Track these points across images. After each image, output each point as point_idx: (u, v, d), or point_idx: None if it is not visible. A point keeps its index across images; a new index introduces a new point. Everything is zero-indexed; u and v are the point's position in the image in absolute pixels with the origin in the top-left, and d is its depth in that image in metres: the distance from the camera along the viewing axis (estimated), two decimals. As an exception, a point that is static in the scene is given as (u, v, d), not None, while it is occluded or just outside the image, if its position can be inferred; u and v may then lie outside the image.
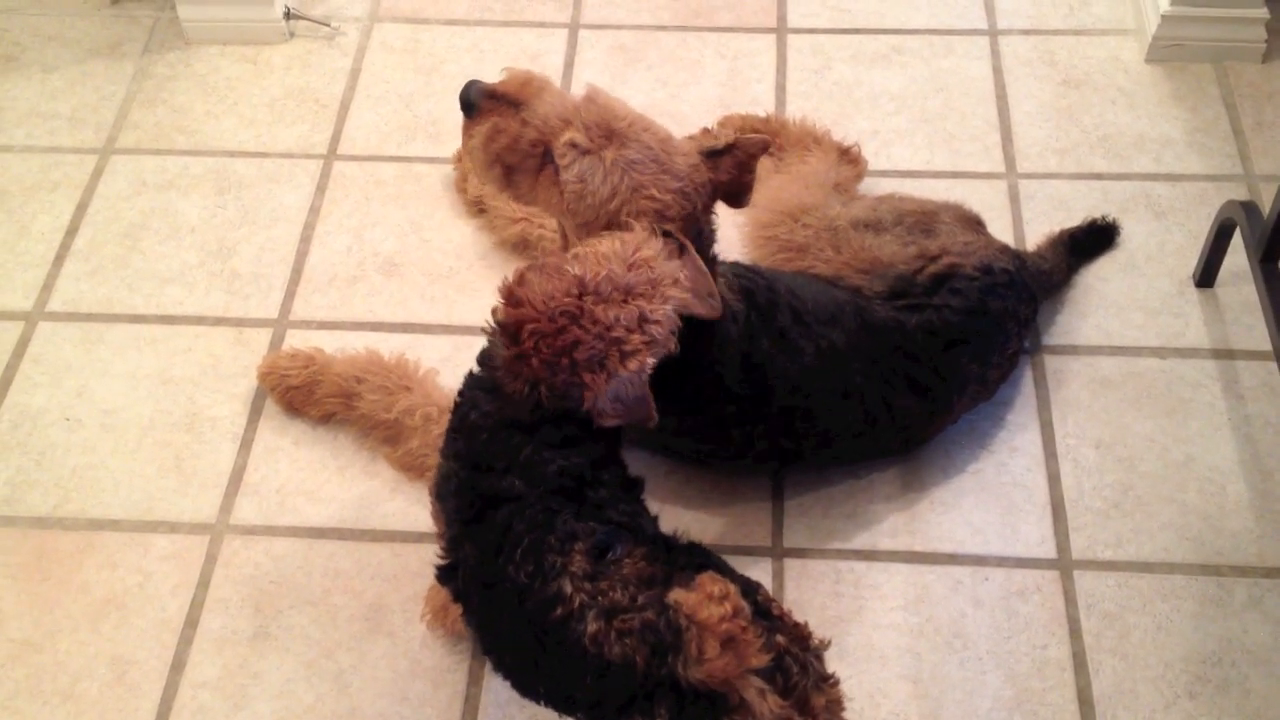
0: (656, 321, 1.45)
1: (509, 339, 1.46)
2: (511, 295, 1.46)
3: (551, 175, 1.67)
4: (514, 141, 1.68)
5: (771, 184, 2.22)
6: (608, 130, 1.65)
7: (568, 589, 1.37)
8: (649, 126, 1.69)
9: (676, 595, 1.31)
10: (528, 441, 1.45)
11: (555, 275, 1.46)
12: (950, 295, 1.92)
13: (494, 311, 1.49)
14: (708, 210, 1.73)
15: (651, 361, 1.46)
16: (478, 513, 1.47)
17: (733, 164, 1.73)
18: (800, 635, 1.39)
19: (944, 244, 1.99)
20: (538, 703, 1.48)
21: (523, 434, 1.46)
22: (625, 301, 1.44)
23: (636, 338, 1.44)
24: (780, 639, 1.35)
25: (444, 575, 1.55)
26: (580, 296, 1.44)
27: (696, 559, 1.45)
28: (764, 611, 1.38)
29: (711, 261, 1.76)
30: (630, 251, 1.48)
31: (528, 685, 1.48)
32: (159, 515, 1.98)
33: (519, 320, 1.44)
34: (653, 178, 1.65)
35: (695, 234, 1.69)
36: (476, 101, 1.70)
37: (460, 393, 1.55)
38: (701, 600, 1.28)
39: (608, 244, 1.49)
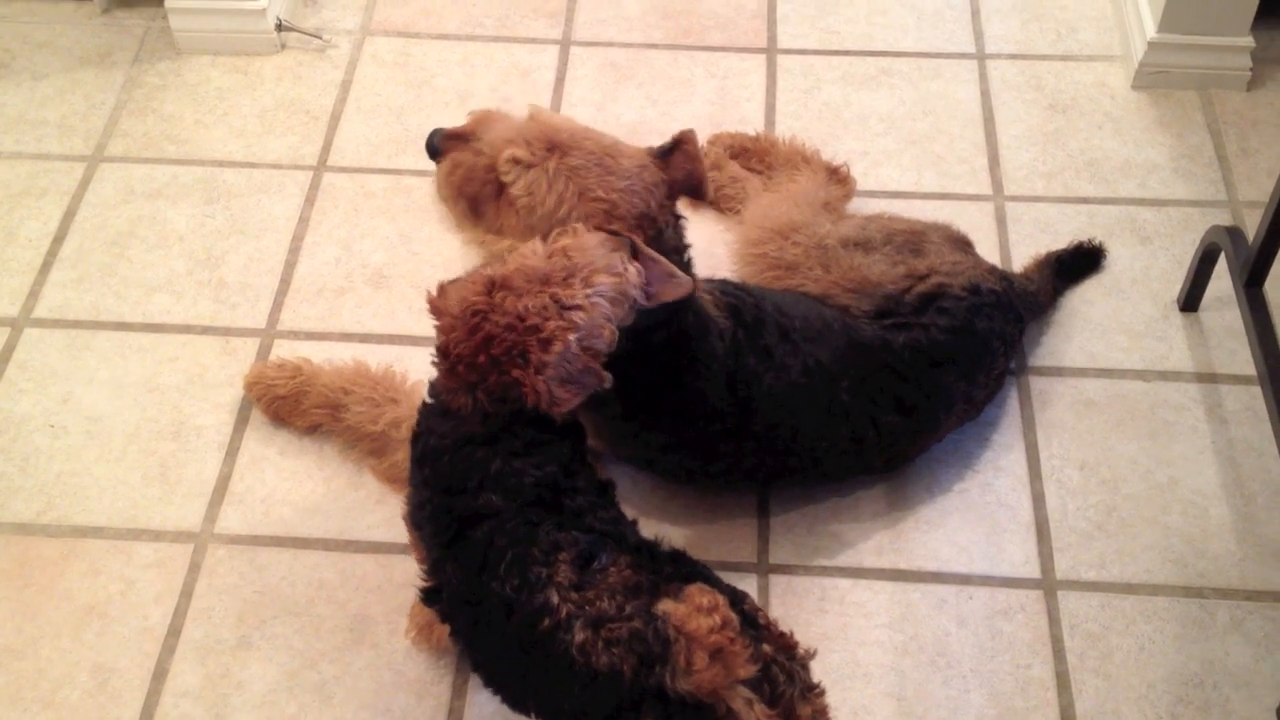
0: (577, 306, 1.43)
1: (442, 358, 1.47)
2: (434, 309, 1.48)
3: (509, 199, 1.71)
4: (470, 172, 1.73)
5: (761, 202, 2.23)
6: (549, 143, 1.69)
7: (554, 599, 1.37)
8: (590, 135, 1.73)
9: (665, 606, 1.31)
10: (493, 454, 1.45)
11: (470, 281, 1.47)
12: (938, 315, 1.93)
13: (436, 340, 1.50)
14: (665, 209, 1.74)
15: (575, 338, 1.43)
16: (456, 534, 1.47)
17: (683, 159, 1.75)
18: (786, 645, 1.40)
19: (932, 264, 2.00)
20: (528, 716, 1.48)
21: (484, 447, 1.46)
22: (540, 292, 1.44)
23: (553, 324, 1.42)
24: (766, 648, 1.36)
25: (428, 597, 1.55)
26: (491, 293, 1.44)
27: (683, 568, 1.45)
28: (750, 621, 1.38)
29: (685, 260, 1.78)
30: (548, 245, 1.49)
31: (518, 699, 1.47)
32: (143, 523, 1.97)
33: (445, 332, 1.46)
34: (597, 180, 1.68)
35: (656, 233, 1.70)
36: (438, 145, 1.77)
37: (416, 424, 1.55)
38: (690, 612, 1.29)
39: (529, 245, 1.50)
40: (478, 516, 1.45)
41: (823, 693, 1.41)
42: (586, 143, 1.71)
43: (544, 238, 1.52)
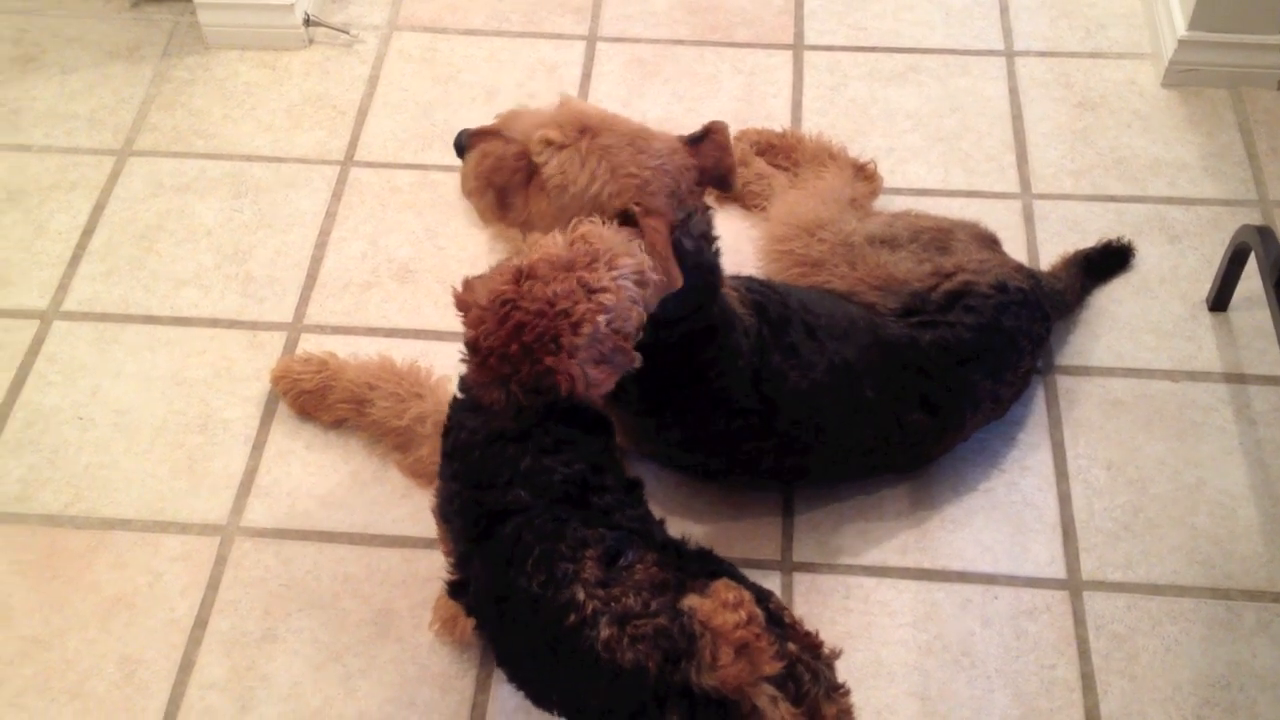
0: (603, 289, 1.45)
1: (472, 352, 1.47)
2: (461, 303, 1.48)
3: (539, 184, 1.71)
4: (499, 160, 1.73)
5: (787, 199, 2.22)
6: (580, 125, 1.69)
7: (580, 596, 1.37)
8: (621, 120, 1.73)
9: (691, 601, 1.31)
10: (523, 451, 1.46)
11: (497, 274, 1.48)
12: (964, 313, 1.93)
13: (464, 335, 1.50)
14: (695, 194, 1.74)
15: (605, 318, 1.44)
16: (485, 529, 1.47)
17: (713, 147, 1.75)
18: (812, 644, 1.39)
19: (959, 261, 1.99)
20: (551, 712, 1.48)
21: (515, 444, 1.46)
22: (566, 277, 1.45)
23: (582, 306, 1.43)
24: (792, 647, 1.35)
25: (454, 591, 1.55)
26: (518, 283, 1.45)
27: (709, 566, 1.45)
28: (776, 619, 1.38)
29: (714, 250, 1.78)
30: (569, 234, 1.50)
31: (542, 695, 1.48)
32: (170, 516, 1.98)
33: (473, 325, 1.47)
34: (629, 157, 1.68)
35: (685, 216, 1.70)
36: (465, 141, 1.77)
37: (447, 419, 1.55)
38: (716, 607, 1.29)
39: (550, 236, 1.51)
40: (506, 512, 1.45)
41: (848, 693, 1.40)
42: (617, 125, 1.72)
43: (564, 227, 1.53)
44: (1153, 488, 1.99)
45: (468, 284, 1.50)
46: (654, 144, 1.71)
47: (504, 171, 1.74)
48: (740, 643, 1.26)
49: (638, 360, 1.49)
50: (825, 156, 2.34)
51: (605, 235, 1.51)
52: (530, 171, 1.72)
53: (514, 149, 1.72)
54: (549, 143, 1.68)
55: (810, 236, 2.09)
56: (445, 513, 1.55)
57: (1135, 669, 1.81)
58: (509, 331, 1.44)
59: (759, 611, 1.29)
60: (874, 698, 1.78)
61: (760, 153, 2.40)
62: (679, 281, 1.62)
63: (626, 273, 1.48)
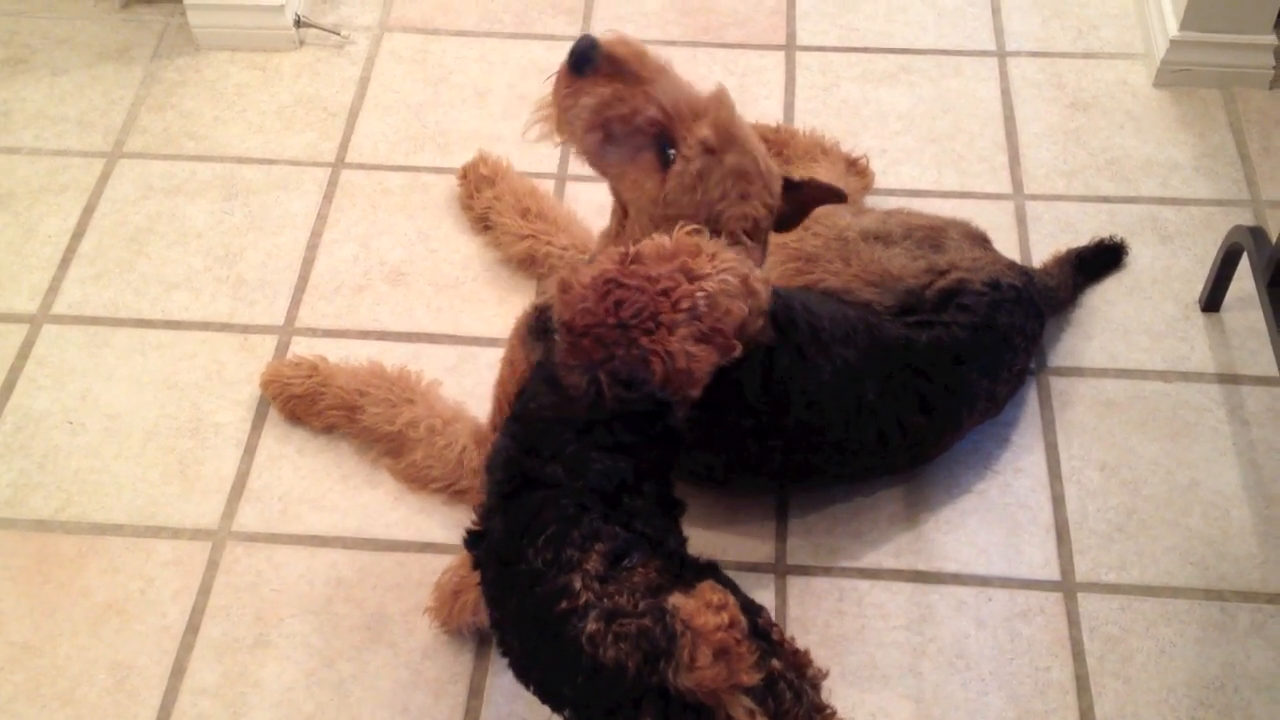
0: (705, 275, 1.44)
1: (566, 330, 1.47)
2: (564, 283, 1.48)
3: (652, 160, 1.65)
4: (631, 114, 1.63)
5: None
6: (730, 135, 1.64)
7: (577, 584, 1.37)
8: (756, 141, 1.70)
9: (675, 600, 1.31)
10: (574, 440, 1.46)
11: (605, 257, 1.49)
12: (958, 311, 1.92)
13: (555, 312, 1.50)
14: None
15: (703, 299, 1.44)
16: (516, 488, 1.48)
17: (798, 200, 1.77)
18: (797, 663, 1.38)
19: (952, 259, 1.99)
20: (528, 689, 1.47)
21: (573, 433, 1.47)
22: (670, 261, 1.45)
23: (684, 287, 1.43)
24: (776, 664, 1.34)
25: (471, 540, 1.55)
26: (623, 264, 1.46)
27: (707, 576, 1.44)
28: (763, 634, 1.37)
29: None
30: (679, 233, 1.50)
31: (523, 671, 1.47)
32: (161, 521, 1.97)
33: (571, 303, 1.46)
34: (757, 190, 1.67)
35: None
36: (596, 60, 1.63)
37: (527, 381, 1.56)
38: (699, 607, 1.28)
39: (657, 236, 1.52)
40: (539, 482, 1.46)
41: (833, 714, 1.40)
42: (758, 149, 1.67)
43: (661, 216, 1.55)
44: (1146, 489, 1.99)
45: (573, 267, 1.50)
46: (774, 182, 1.69)
47: (628, 126, 1.64)
48: (720, 645, 1.26)
49: (738, 349, 1.48)
50: (818, 151, 2.34)
51: (712, 243, 1.51)
52: (653, 142, 1.64)
53: (652, 113, 1.63)
54: (705, 145, 1.62)
55: (804, 230, 2.08)
56: (491, 464, 1.56)
57: (1129, 671, 1.81)
58: (608, 307, 1.43)
59: (742, 618, 1.29)
60: (868, 700, 1.78)
61: None
62: (767, 332, 1.62)
63: (731, 269, 1.48)
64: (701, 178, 1.63)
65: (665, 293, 1.44)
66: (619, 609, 1.35)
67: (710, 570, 1.47)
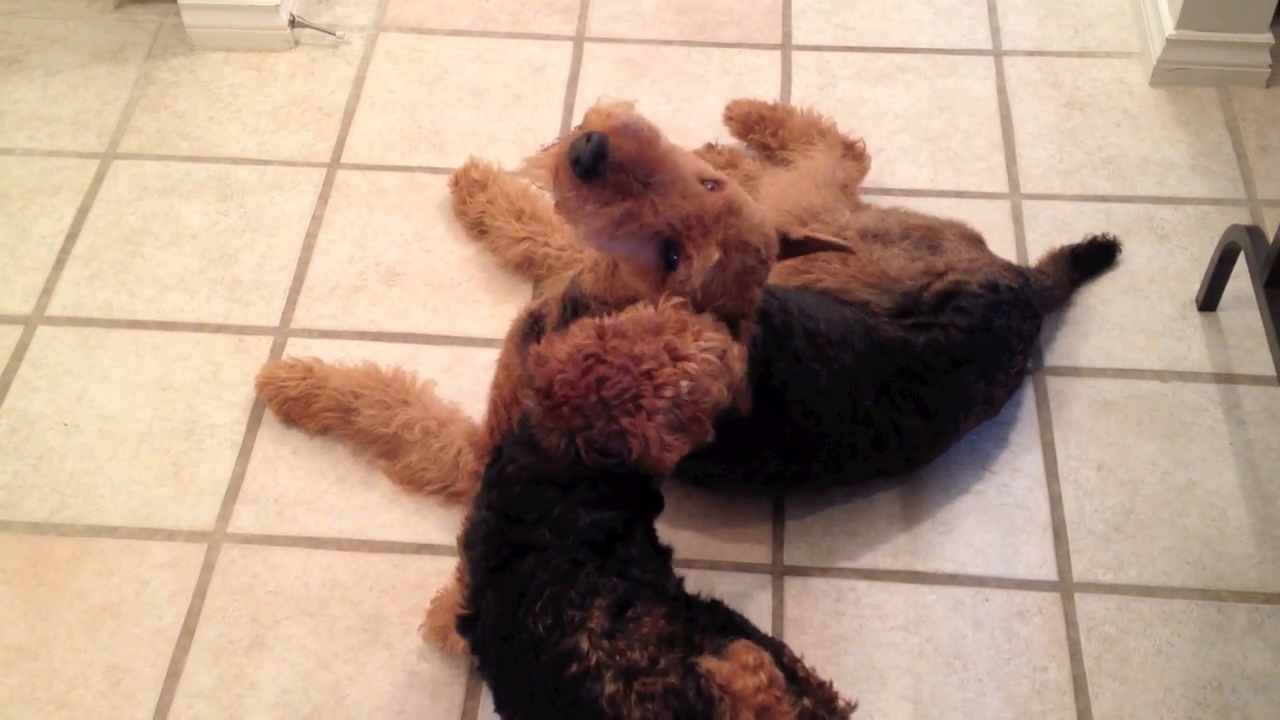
0: (688, 357, 1.42)
1: (542, 397, 1.44)
2: (539, 355, 1.45)
3: (656, 261, 1.58)
4: (639, 230, 1.54)
5: (779, 181, 2.20)
6: (740, 242, 1.59)
7: (584, 645, 1.35)
8: (765, 221, 1.65)
9: (710, 664, 1.29)
10: (561, 498, 1.44)
11: (578, 329, 1.46)
12: (956, 314, 1.92)
13: (530, 379, 1.48)
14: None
15: (688, 385, 1.42)
16: (504, 560, 1.45)
17: (797, 250, 1.76)
18: (826, 697, 1.38)
19: (950, 260, 1.99)
20: None
21: (557, 490, 1.44)
22: (653, 339, 1.43)
23: (668, 370, 1.40)
24: (807, 702, 1.34)
25: (464, 626, 1.53)
26: (602, 338, 1.43)
27: (718, 619, 1.43)
28: (790, 674, 1.36)
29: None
30: (663, 306, 1.48)
31: None
32: (156, 523, 1.97)
33: (548, 375, 1.43)
34: (758, 278, 1.64)
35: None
36: (603, 173, 1.50)
37: (499, 449, 1.54)
38: (737, 670, 1.27)
39: (640, 305, 1.50)
40: (527, 547, 1.43)
41: None
42: (760, 239, 1.62)
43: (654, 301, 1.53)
44: (1143, 489, 1.99)
45: (548, 340, 1.47)
46: (773, 253, 1.65)
47: (635, 241, 1.56)
48: (761, 707, 1.25)
49: (711, 434, 1.47)
50: (814, 133, 2.31)
51: (698, 318, 1.50)
52: (664, 247, 1.56)
53: (659, 226, 1.53)
54: (709, 264, 1.56)
55: (802, 226, 2.07)
56: (470, 539, 1.53)
57: (1127, 671, 1.81)
58: (591, 383, 1.40)
59: (779, 673, 1.28)
60: (866, 701, 1.78)
61: (748, 126, 2.38)
62: (746, 407, 1.61)
63: (714, 348, 1.45)
64: (704, 287, 1.59)
65: (649, 374, 1.41)
66: (635, 666, 1.33)
67: (715, 609, 1.45)
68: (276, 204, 2.37)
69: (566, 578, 1.39)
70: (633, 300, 1.66)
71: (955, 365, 1.90)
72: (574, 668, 1.33)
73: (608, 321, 1.45)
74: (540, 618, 1.38)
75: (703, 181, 1.58)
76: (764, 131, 2.36)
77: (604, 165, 1.49)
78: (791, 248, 1.74)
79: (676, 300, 1.49)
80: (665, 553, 1.54)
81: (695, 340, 1.44)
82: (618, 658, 1.33)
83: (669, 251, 1.56)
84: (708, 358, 1.44)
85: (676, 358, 1.41)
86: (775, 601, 1.87)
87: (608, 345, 1.42)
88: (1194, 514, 1.96)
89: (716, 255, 1.56)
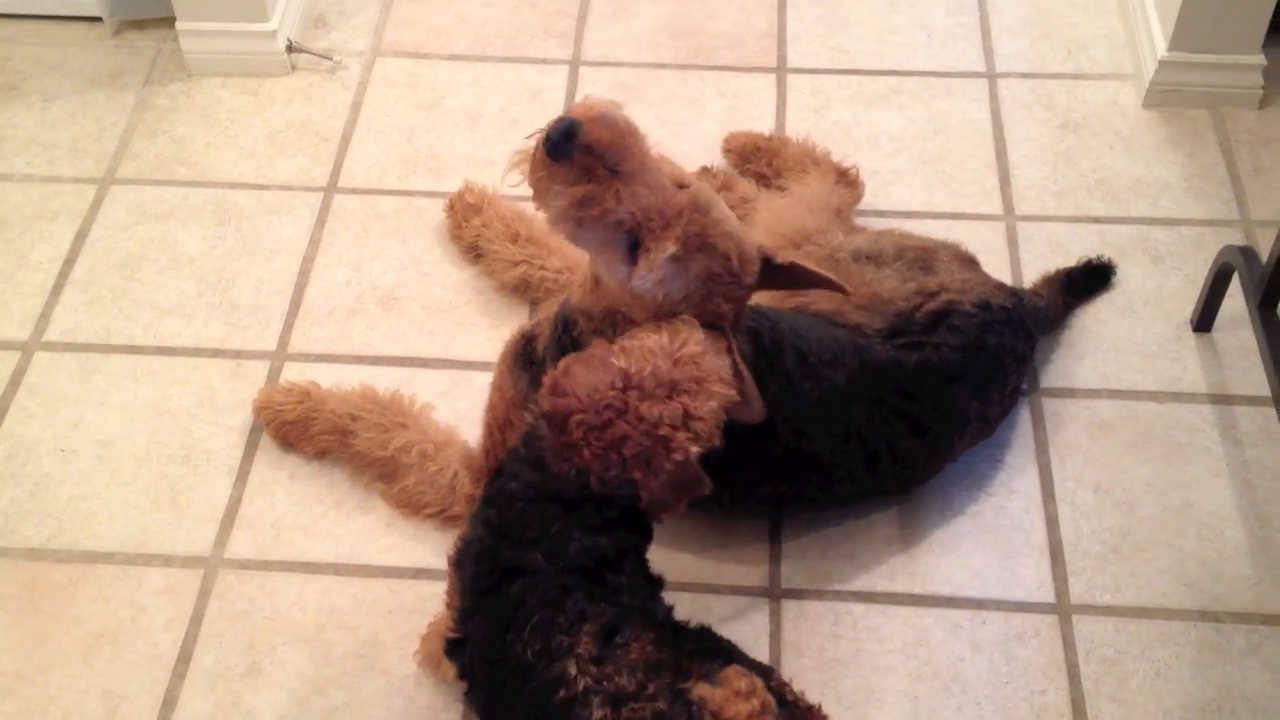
0: (701, 419, 1.46)
1: (555, 428, 1.45)
2: (556, 386, 1.46)
3: (621, 253, 1.59)
4: (602, 215, 1.56)
5: (774, 206, 2.22)
6: (701, 241, 1.59)
7: (572, 671, 1.35)
8: (738, 232, 1.65)
9: (702, 691, 1.29)
10: (562, 517, 1.45)
11: (600, 367, 1.46)
12: (949, 333, 1.92)
13: (539, 400, 1.48)
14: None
15: (697, 450, 1.47)
16: (495, 583, 1.45)
17: (786, 279, 1.75)
18: None
19: (942, 281, 1.99)
20: None
21: (561, 508, 1.45)
22: (670, 398, 1.45)
23: (682, 435, 1.44)
24: None
25: (452, 650, 1.53)
26: (625, 390, 1.44)
27: (705, 644, 1.43)
28: (779, 697, 1.36)
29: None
30: (676, 346, 1.49)
31: None
32: (153, 548, 1.96)
33: (565, 410, 1.44)
34: (725, 289, 1.63)
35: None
36: (570, 151, 1.54)
37: (500, 466, 1.54)
38: (729, 696, 1.27)
39: (654, 338, 1.50)
40: (518, 570, 1.44)
41: None
42: (731, 246, 1.62)
43: (657, 318, 1.57)
44: (1140, 510, 1.99)
45: (566, 368, 1.48)
46: (747, 272, 1.65)
47: (599, 225, 1.57)
48: None
49: (709, 488, 1.51)
50: (808, 162, 2.34)
51: (709, 360, 1.52)
52: (627, 239, 1.57)
53: (623, 216, 1.55)
54: (673, 258, 1.57)
55: (796, 249, 2.08)
56: (460, 559, 1.53)
57: (1125, 693, 1.81)
58: (612, 439, 1.43)
59: (771, 699, 1.28)
60: (864, 725, 1.78)
61: (745, 157, 2.40)
62: (760, 413, 1.64)
63: (719, 400, 1.50)
64: (663, 283, 1.59)
65: (664, 440, 1.45)
66: (623, 692, 1.33)
67: (703, 635, 1.46)
68: (274, 228, 2.38)
69: (555, 603, 1.39)
70: (614, 313, 1.67)
71: (948, 383, 1.90)
72: (562, 693, 1.33)
73: (632, 369, 1.46)
74: (529, 643, 1.38)
75: (677, 186, 1.60)
76: (760, 161, 2.38)
77: (572, 146, 1.52)
78: (777, 273, 1.73)
79: (692, 348, 1.50)
80: (656, 582, 1.54)
81: (708, 399, 1.47)
82: (605, 683, 1.33)
83: (632, 245, 1.58)
84: (715, 410, 1.49)
85: (690, 418, 1.45)
86: (772, 624, 1.87)
87: (629, 401, 1.44)
88: (1191, 535, 1.96)
89: (673, 248, 1.56)
